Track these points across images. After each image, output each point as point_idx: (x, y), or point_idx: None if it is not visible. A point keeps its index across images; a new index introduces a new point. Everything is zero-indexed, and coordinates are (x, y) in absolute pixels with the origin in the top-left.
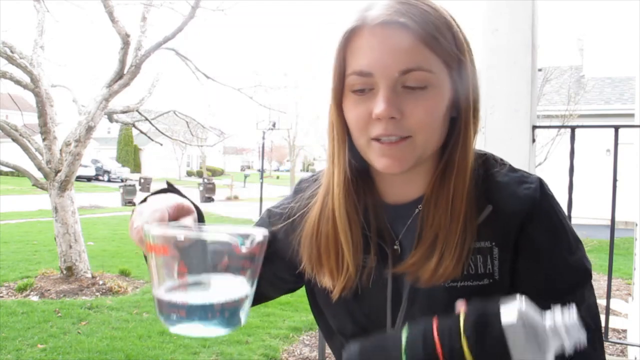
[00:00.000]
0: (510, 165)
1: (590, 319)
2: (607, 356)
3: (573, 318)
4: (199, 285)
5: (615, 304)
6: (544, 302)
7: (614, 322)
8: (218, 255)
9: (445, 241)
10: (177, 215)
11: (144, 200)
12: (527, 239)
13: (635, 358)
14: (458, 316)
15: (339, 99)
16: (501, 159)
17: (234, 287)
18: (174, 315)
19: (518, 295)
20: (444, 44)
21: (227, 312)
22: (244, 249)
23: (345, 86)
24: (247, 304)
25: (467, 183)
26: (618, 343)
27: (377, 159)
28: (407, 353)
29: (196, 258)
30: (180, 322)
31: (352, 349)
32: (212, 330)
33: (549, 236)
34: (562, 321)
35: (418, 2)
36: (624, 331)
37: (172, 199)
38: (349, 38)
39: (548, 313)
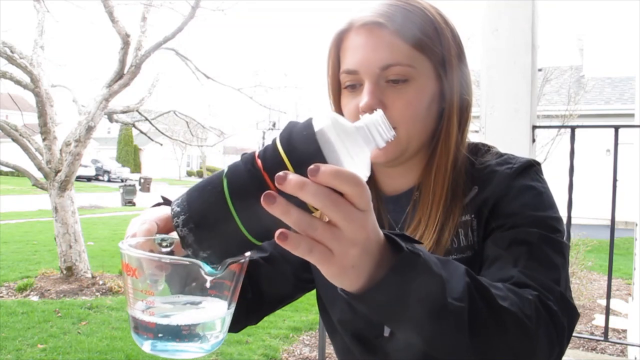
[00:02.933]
0: (497, 151)
1: (536, 276)
2: (607, 356)
3: (380, 116)
4: (174, 306)
5: (615, 304)
6: (495, 251)
7: (614, 322)
8: (192, 277)
9: (426, 224)
10: (167, 227)
11: None
12: (496, 213)
13: (635, 358)
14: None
15: (336, 97)
16: (489, 147)
17: (209, 308)
18: (146, 334)
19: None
20: (426, 40)
21: (199, 334)
22: (209, 276)
23: (341, 84)
24: (223, 325)
25: (448, 171)
26: (618, 343)
27: None
28: (227, 175)
29: (169, 280)
30: (152, 342)
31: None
32: (185, 352)
33: (522, 211)
34: (370, 121)
35: (402, 3)
36: (624, 331)
37: (163, 211)
38: (340, 39)
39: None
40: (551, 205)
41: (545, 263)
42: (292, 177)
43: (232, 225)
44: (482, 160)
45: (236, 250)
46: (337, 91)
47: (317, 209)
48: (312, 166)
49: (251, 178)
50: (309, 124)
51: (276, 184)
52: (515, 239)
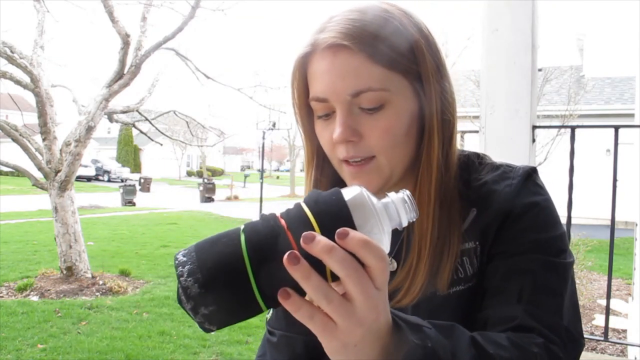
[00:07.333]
0: (491, 163)
1: (541, 315)
2: (607, 356)
3: (406, 196)
4: None
5: (615, 304)
6: (495, 282)
7: (614, 322)
8: None
9: (419, 257)
10: None
11: None
12: (499, 238)
13: (635, 358)
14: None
15: (305, 123)
16: (482, 157)
17: None
18: None
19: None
20: (398, 58)
21: None
22: None
23: (310, 110)
24: None
25: (432, 199)
26: (618, 343)
27: (349, 181)
28: (245, 231)
29: None
30: None
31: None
32: None
33: (524, 235)
34: (397, 199)
35: (369, 17)
36: (624, 331)
37: None
38: (304, 63)
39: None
40: (554, 221)
41: (550, 294)
42: (321, 239)
43: (244, 282)
44: (476, 177)
45: (239, 310)
46: (305, 118)
47: (331, 279)
48: (341, 229)
49: (273, 235)
50: (336, 191)
51: (302, 244)
52: (517, 268)
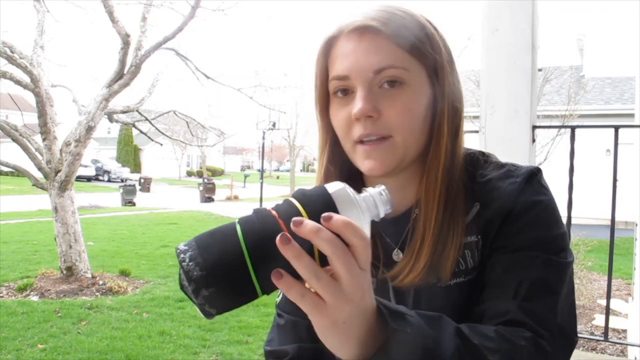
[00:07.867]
0: (496, 161)
1: (534, 309)
2: (607, 356)
3: (382, 189)
4: None
5: (615, 304)
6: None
7: (614, 322)
8: None
9: (423, 247)
10: None
11: None
12: (501, 233)
13: (635, 358)
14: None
15: (323, 107)
16: (487, 155)
17: None
18: None
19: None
20: (418, 44)
21: None
22: None
23: (330, 93)
24: None
25: (438, 186)
26: (618, 343)
27: (362, 161)
28: (240, 222)
29: None
30: None
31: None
32: None
33: (526, 231)
34: (375, 192)
35: (392, 9)
36: (624, 331)
37: None
38: (329, 46)
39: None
40: (556, 219)
41: (546, 291)
42: (309, 222)
43: (241, 264)
44: (482, 174)
45: (237, 292)
46: (324, 101)
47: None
48: (326, 213)
49: (266, 223)
50: (321, 186)
51: (292, 227)
52: (516, 264)
